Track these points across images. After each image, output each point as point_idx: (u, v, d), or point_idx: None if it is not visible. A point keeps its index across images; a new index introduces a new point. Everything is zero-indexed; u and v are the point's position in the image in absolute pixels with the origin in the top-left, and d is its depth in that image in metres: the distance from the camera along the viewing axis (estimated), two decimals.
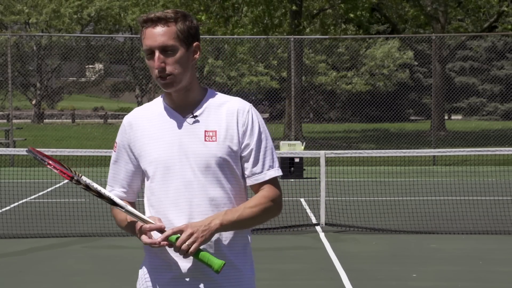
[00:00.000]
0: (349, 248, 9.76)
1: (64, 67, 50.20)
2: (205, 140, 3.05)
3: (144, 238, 2.99)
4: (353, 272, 8.24)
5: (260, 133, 3.09)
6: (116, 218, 3.21)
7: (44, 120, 47.49)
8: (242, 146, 3.07)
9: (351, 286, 7.69)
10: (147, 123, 3.14)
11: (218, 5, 30.81)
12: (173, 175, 3.06)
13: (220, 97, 3.14)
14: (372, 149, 26.38)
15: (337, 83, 43.80)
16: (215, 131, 3.06)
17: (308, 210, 13.26)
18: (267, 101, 47.98)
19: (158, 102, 3.18)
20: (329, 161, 15.59)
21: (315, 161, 17.23)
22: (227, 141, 3.06)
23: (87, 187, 3.00)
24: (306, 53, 40.16)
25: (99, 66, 54.87)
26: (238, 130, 3.07)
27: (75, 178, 2.99)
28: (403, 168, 19.74)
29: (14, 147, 23.69)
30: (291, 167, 18.20)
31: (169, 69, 3.01)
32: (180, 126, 3.08)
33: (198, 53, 3.11)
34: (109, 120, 48.27)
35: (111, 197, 3.05)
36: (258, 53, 40.73)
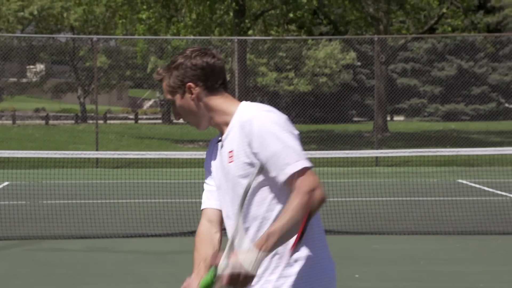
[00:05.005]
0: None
1: (4, 67, 49.66)
2: (229, 162, 3.10)
3: None
4: None
5: (263, 138, 3.02)
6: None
7: None
8: (258, 155, 3.04)
9: None
10: (210, 150, 3.33)
11: (160, 5, 30.68)
12: (223, 193, 3.19)
13: (239, 112, 3.13)
14: (315, 150, 26.52)
15: (280, 84, 43.95)
16: (232, 151, 3.10)
17: None
18: None
19: None
20: None
21: None
22: (240, 156, 3.07)
23: None
24: (247, 55, 40.25)
25: (40, 66, 54.34)
26: (244, 142, 3.06)
27: None
28: (346, 169, 19.89)
29: None
30: None
31: (185, 118, 3.24)
32: (217, 152, 3.22)
33: (194, 91, 3.13)
34: (51, 122, 47.67)
35: None
36: None
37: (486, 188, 16.53)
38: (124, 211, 12.77)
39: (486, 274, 8.55)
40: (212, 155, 3.27)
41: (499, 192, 15.87)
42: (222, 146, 3.15)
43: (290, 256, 3.01)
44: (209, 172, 3.28)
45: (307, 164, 3.01)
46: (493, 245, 10.30)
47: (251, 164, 3.04)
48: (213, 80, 3.13)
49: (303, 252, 3.07)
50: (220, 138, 3.17)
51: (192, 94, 3.12)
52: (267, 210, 3.06)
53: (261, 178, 3.05)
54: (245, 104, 3.14)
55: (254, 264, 2.83)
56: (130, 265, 9.17)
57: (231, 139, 3.10)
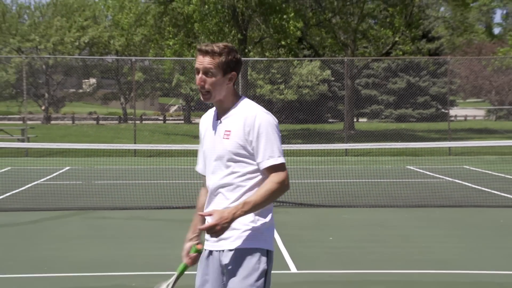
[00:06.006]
0: (282, 218, 9.78)
1: (66, 81, 49.73)
2: (223, 138, 3.15)
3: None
4: (285, 236, 8.28)
5: (259, 133, 3.10)
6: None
7: (51, 122, 47.05)
8: (249, 142, 3.12)
9: (284, 247, 7.71)
10: (207, 121, 3.31)
11: (183, 33, 30.74)
12: (208, 161, 3.24)
13: (244, 105, 3.20)
14: (300, 143, 26.53)
15: (273, 93, 43.90)
16: (230, 131, 3.14)
17: None
18: None
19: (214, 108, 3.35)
20: None
21: None
22: (236, 138, 3.12)
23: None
24: (248, 72, 40.24)
25: (92, 80, 54.32)
26: (244, 129, 3.12)
27: None
28: (323, 158, 19.93)
29: (28, 141, 23.37)
30: None
31: (207, 87, 3.13)
32: (215, 127, 3.22)
33: (233, 80, 3.19)
34: (100, 122, 47.70)
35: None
36: None
37: (427, 173, 16.56)
38: (155, 189, 12.80)
39: (427, 236, 8.57)
40: (208, 123, 3.30)
41: (437, 175, 15.90)
42: (220, 123, 3.20)
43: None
44: (202, 135, 3.35)
45: (283, 160, 3.14)
46: (433, 215, 10.32)
47: (243, 146, 3.11)
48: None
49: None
50: (221, 119, 3.20)
51: (230, 79, 3.16)
52: (242, 180, 3.14)
53: (240, 155, 3.13)
54: (248, 100, 3.22)
55: (229, 220, 2.99)
56: (160, 229, 9.19)
57: (231, 121, 3.16)
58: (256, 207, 3.05)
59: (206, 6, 27.91)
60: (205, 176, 3.33)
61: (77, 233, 8.88)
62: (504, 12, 74.22)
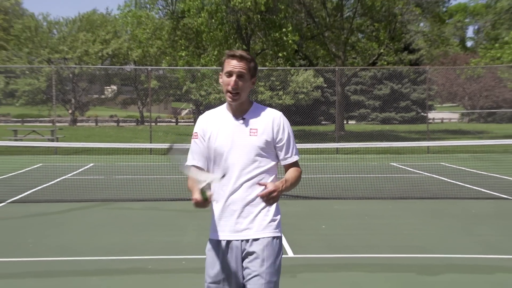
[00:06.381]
0: (281, 209, 9.77)
1: (90, 88, 49.73)
2: (250, 135, 3.11)
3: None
4: (283, 225, 8.17)
5: (288, 133, 3.19)
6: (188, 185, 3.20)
7: (77, 124, 47.11)
8: (277, 140, 3.15)
9: (282, 234, 7.69)
10: (215, 120, 3.20)
11: (193, 46, 30.75)
12: (227, 157, 3.12)
13: (262, 107, 3.22)
14: (296, 143, 26.47)
15: (273, 99, 43.85)
16: (257, 129, 3.12)
17: None
18: None
19: (222, 108, 3.24)
20: None
21: None
22: (263, 135, 3.12)
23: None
24: None
25: (113, 87, 54.35)
26: (273, 128, 3.14)
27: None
28: (317, 156, 19.92)
29: (57, 141, 23.40)
30: None
31: (239, 89, 3.08)
32: (235, 125, 3.14)
33: (254, 84, 3.20)
34: (120, 124, 47.76)
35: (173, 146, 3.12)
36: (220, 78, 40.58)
37: (409, 169, 16.55)
38: (168, 183, 12.81)
39: (408, 224, 8.57)
40: (219, 122, 3.18)
41: (417, 171, 15.89)
42: (243, 121, 3.14)
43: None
44: (208, 133, 3.17)
45: (299, 157, 3.28)
46: (413, 206, 10.32)
47: (269, 143, 3.13)
48: None
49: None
50: (244, 117, 3.14)
51: (252, 83, 3.17)
52: (264, 174, 3.13)
53: (265, 150, 3.13)
54: (258, 104, 3.23)
55: (281, 190, 3.03)
56: (173, 219, 9.19)
57: (256, 121, 3.14)
58: (290, 187, 3.15)
59: (213, 20, 27.97)
60: (198, 168, 3.17)
61: (100, 221, 8.90)
62: (476, 27, 74.18)
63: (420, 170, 15.94)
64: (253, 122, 3.13)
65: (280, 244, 3.19)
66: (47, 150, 21.41)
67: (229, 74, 3.09)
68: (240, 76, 3.08)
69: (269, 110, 3.19)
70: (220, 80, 3.15)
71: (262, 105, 3.24)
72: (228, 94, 3.09)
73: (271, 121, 3.14)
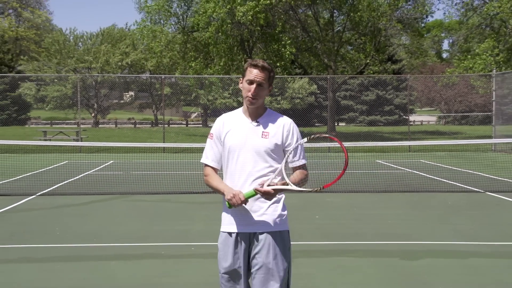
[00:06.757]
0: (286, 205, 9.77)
1: (110, 94, 49.81)
2: (262, 137, 3.05)
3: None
4: None
5: (297, 138, 3.12)
6: (210, 182, 3.15)
7: (99, 125, 47.17)
8: (286, 144, 3.09)
9: None
10: (231, 121, 3.12)
11: (202, 56, 30.76)
12: (239, 155, 3.05)
13: (275, 113, 3.16)
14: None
15: (272, 104, 43.82)
16: (268, 133, 3.06)
17: None
18: None
19: (239, 111, 3.17)
20: None
21: None
22: (274, 139, 3.06)
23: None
24: None
25: (131, 93, 54.38)
26: (283, 133, 3.08)
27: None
28: (310, 154, 19.90)
29: (81, 141, 23.41)
30: None
31: (257, 96, 3.02)
32: (249, 126, 3.07)
33: (271, 90, 3.15)
34: (137, 126, 47.77)
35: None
36: (225, 85, 40.65)
37: (392, 165, 16.52)
38: (179, 178, 12.78)
39: (393, 215, 8.54)
40: (234, 123, 3.10)
41: (399, 167, 15.86)
42: (257, 124, 3.08)
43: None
44: (224, 133, 3.10)
45: (306, 161, 3.23)
46: (396, 198, 10.29)
47: (278, 146, 3.06)
48: None
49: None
50: (258, 120, 3.08)
51: (269, 91, 3.12)
52: (269, 172, 3.06)
53: (274, 152, 3.07)
54: (271, 110, 3.18)
55: (270, 195, 2.98)
56: (183, 210, 9.17)
57: (269, 125, 3.08)
58: (299, 185, 3.14)
59: (220, 33, 28.05)
60: (213, 168, 3.14)
61: (119, 212, 8.88)
62: (450, 41, 74.20)
63: (402, 167, 15.91)
64: (266, 125, 3.07)
65: (287, 237, 3.13)
66: (73, 149, 21.40)
67: (250, 82, 3.03)
68: (259, 85, 3.03)
69: (281, 117, 3.14)
70: (240, 85, 3.10)
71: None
72: (248, 98, 3.04)
73: (282, 127, 3.08)
